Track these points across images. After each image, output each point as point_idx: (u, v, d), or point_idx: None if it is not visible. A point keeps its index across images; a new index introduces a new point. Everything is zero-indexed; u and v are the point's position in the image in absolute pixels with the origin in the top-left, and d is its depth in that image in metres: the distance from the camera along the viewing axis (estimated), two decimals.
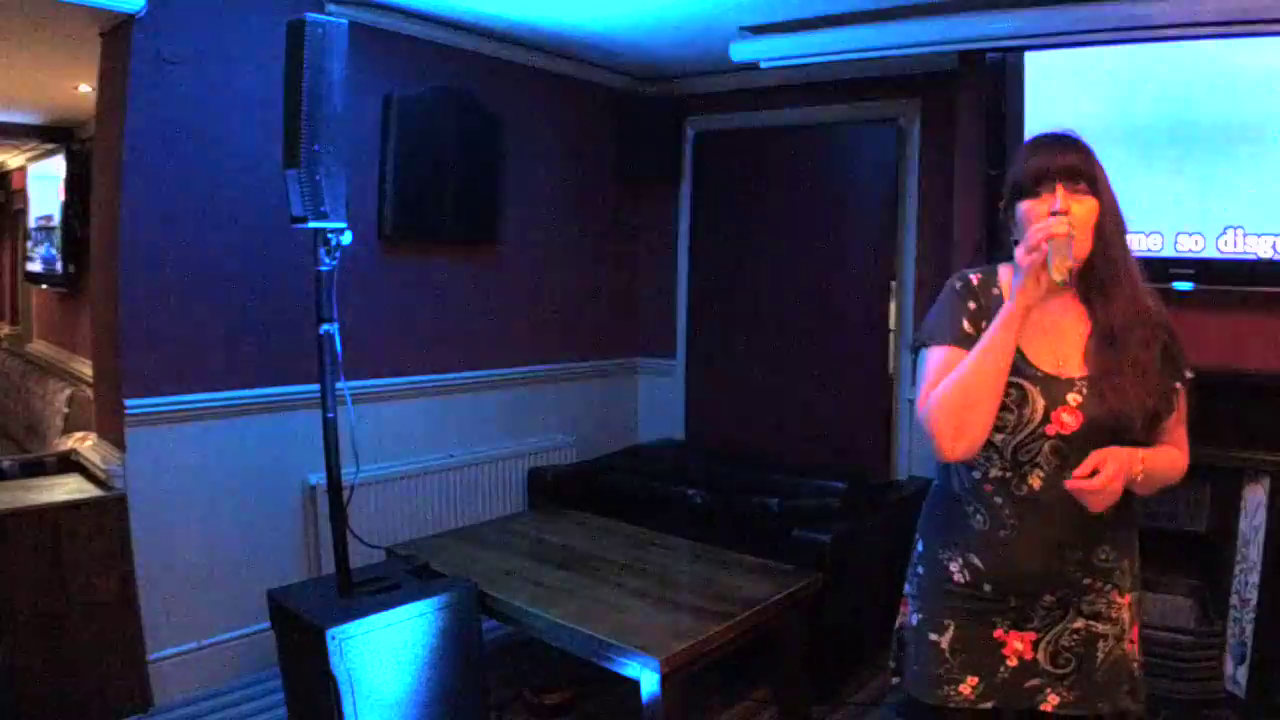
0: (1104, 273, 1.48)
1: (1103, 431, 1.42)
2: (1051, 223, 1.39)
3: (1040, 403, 1.45)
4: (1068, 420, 1.44)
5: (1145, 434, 1.46)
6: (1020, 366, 1.46)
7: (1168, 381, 1.48)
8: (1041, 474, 1.46)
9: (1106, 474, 1.35)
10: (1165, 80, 2.81)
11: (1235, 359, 2.81)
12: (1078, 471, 1.37)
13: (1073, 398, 1.44)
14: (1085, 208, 1.44)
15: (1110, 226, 1.47)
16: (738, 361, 4.32)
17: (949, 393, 1.43)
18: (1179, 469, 1.52)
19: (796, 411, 4.11)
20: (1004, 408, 1.45)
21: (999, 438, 1.47)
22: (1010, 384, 1.45)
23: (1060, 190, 1.44)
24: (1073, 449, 1.43)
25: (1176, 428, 1.52)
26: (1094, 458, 1.37)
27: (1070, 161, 1.45)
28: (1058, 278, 1.38)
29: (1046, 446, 1.45)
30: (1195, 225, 2.79)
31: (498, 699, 3.00)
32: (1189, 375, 1.51)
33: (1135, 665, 1.54)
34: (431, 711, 2.50)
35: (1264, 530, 2.75)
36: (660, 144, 4.41)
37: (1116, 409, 1.42)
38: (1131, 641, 1.54)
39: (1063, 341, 1.49)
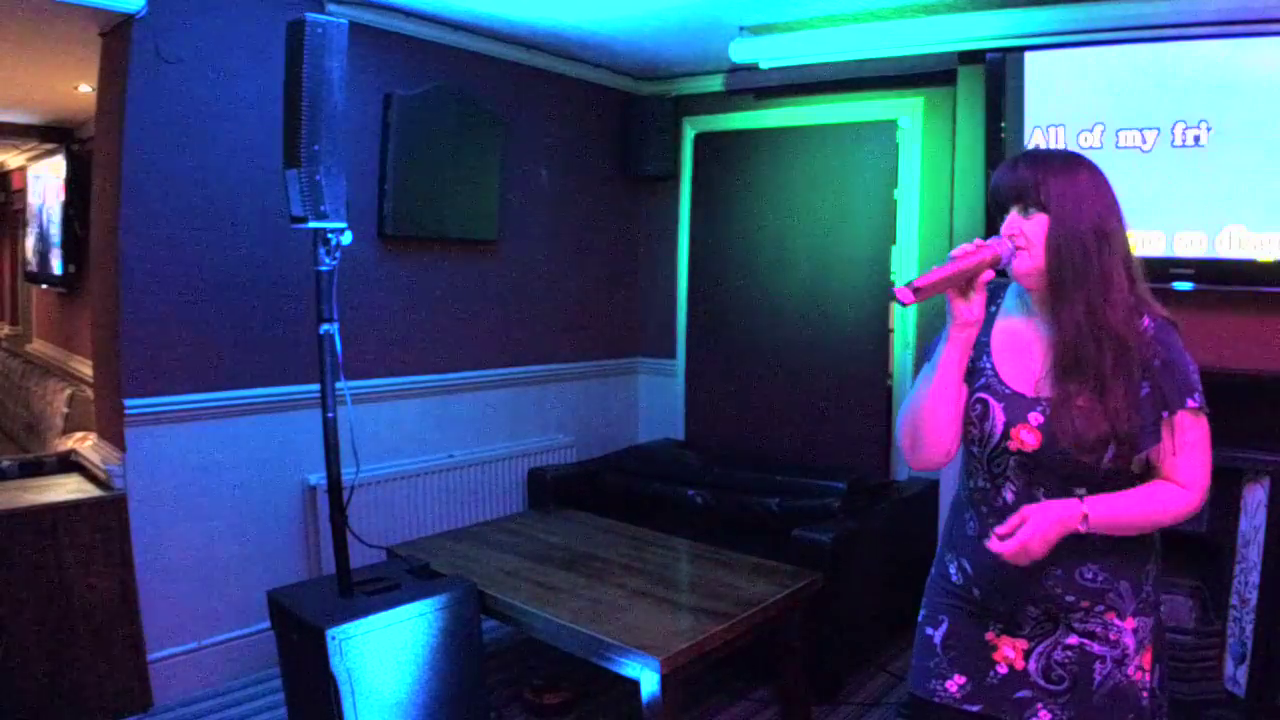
0: (1054, 289, 1.42)
1: (1062, 453, 1.39)
2: (969, 245, 1.42)
3: (1000, 419, 1.45)
4: (1027, 439, 1.43)
5: (1118, 461, 1.38)
6: (991, 383, 1.49)
7: (1150, 410, 1.39)
8: (1013, 488, 1.47)
9: (1019, 536, 1.33)
10: (1165, 80, 2.81)
11: (1235, 359, 2.81)
12: (999, 529, 1.37)
13: (1034, 417, 1.43)
14: (1034, 224, 1.43)
15: (1062, 242, 1.40)
16: (738, 361, 4.32)
17: (905, 410, 1.53)
18: (1171, 508, 1.40)
19: (796, 411, 4.11)
20: (970, 421, 1.49)
21: (976, 450, 1.51)
22: (977, 399, 1.48)
23: (1012, 214, 1.46)
24: (1037, 466, 1.44)
25: (1171, 459, 1.40)
26: (1018, 515, 1.36)
27: (1016, 181, 1.45)
28: (898, 297, 1.37)
29: (1013, 461, 1.46)
30: (1195, 225, 2.79)
31: (498, 699, 3.00)
32: (1192, 404, 1.39)
33: (1144, 694, 1.47)
34: (431, 711, 2.50)
35: (1264, 530, 2.75)
36: (660, 144, 4.41)
37: (1068, 433, 1.37)
38: (1141, 669, 1.47)
39: (1038, 360, 1.48)
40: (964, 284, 1.41)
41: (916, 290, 1.35)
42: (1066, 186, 1.43)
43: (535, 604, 2.62)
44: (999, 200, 1.49)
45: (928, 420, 1.48)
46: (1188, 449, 1.40)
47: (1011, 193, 1.46)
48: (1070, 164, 1.46)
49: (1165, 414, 1.40)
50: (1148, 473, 1.44)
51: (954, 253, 1.41)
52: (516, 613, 2.65)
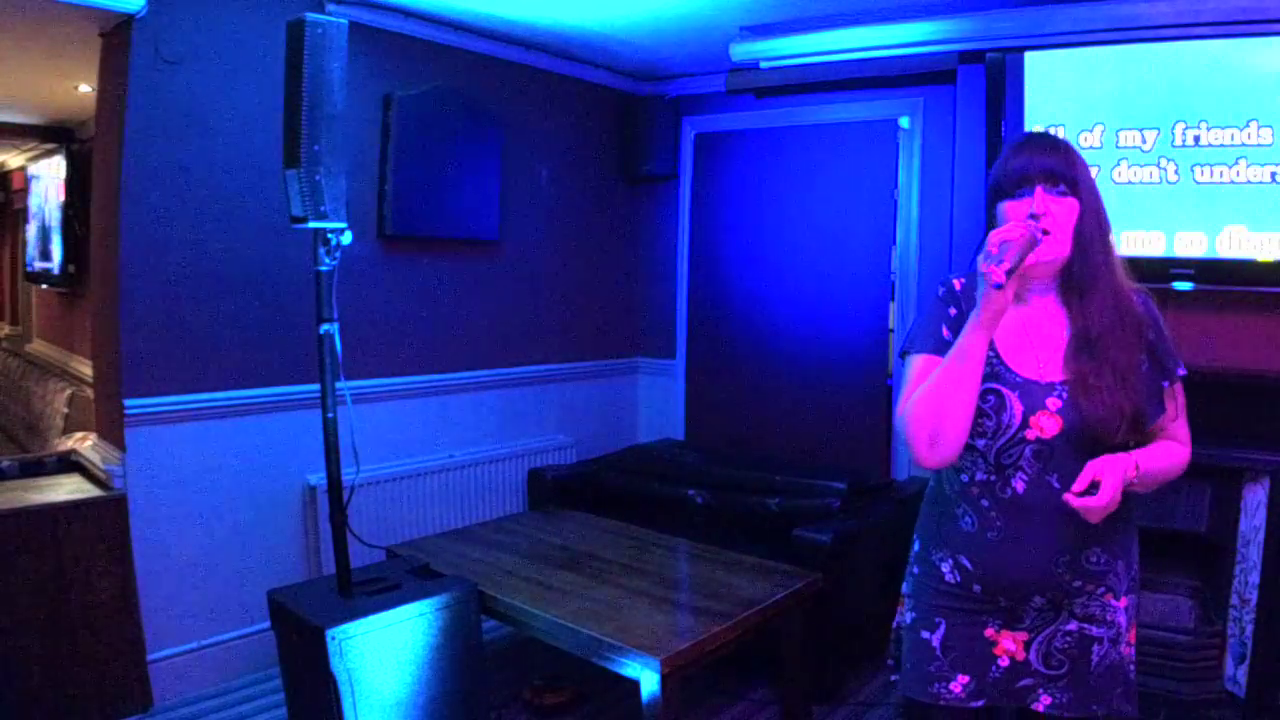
0: (1082, 275, 1.46)
1: (1082, 435, 1.41)
2: (1007, 227, 1.37)
3: (1018, 408, 1.44)
4: (1047, 425, 1.43)
5: (1130, 435, 1.43)
6: (999, 372, 1.47)
7: (1155, 382, 1.47)
8: (1025, 477, 1.46)
9: (1107, 489, 1.33)
10: (1165, 80, 2.81)
11: (1235, 359, 2.82)
12: (1075, 486, 1.35)
13: (1051, 402, 1.44)
14: (1064, 209, 1.43)
15: (1090, 228, 1.45)
16: (738, 361, 4.32)
17: (922, 402, 1.44)
18: (1180, 463, 1.50)
19: (796, 411, 4.11)
20: (983, 414, 1.45)
21: (981, 443, 1.47)
22: (988, 390, 1.45)
23: (1039, 192, 1.43)
24: (1054, 452, 1.43)
25: (1173, 423, 1.51)
26: (1090, 470, 1.35)
27: (1050, 163, 1.44)
28: (990, 280, 1.31)
29: (1028, 450, 1.45)
30: (1195, 225, 2.79)
31: (498, 699, 3.00)
32: (1182, 372, 1.50)
33: (1131, 668, 1.53)
34: (431, 711, 2.50)
35: (1264, 530, 2.75)
36: (660, 144, 4.41)
37: (1093, 414, 1.40)
38: (1129, 645, 1.54)
39: (1044, 345, 1.49)
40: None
41: (1008, 272, 1.31)
42: (1088, 173, 1.47)
43: (535, 604, 2.62)
44: (1020, 180, 1.45)
45: (956, 410, 1.41)
46: (1182, 412, 1.53)
47: (1041, 174, 1.43)
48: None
49: (1166, 384, 1.49)
50: (1141, 441, 1.49)
51: (1004, 236, 1.35)
52: (516, 613, 2.65)
